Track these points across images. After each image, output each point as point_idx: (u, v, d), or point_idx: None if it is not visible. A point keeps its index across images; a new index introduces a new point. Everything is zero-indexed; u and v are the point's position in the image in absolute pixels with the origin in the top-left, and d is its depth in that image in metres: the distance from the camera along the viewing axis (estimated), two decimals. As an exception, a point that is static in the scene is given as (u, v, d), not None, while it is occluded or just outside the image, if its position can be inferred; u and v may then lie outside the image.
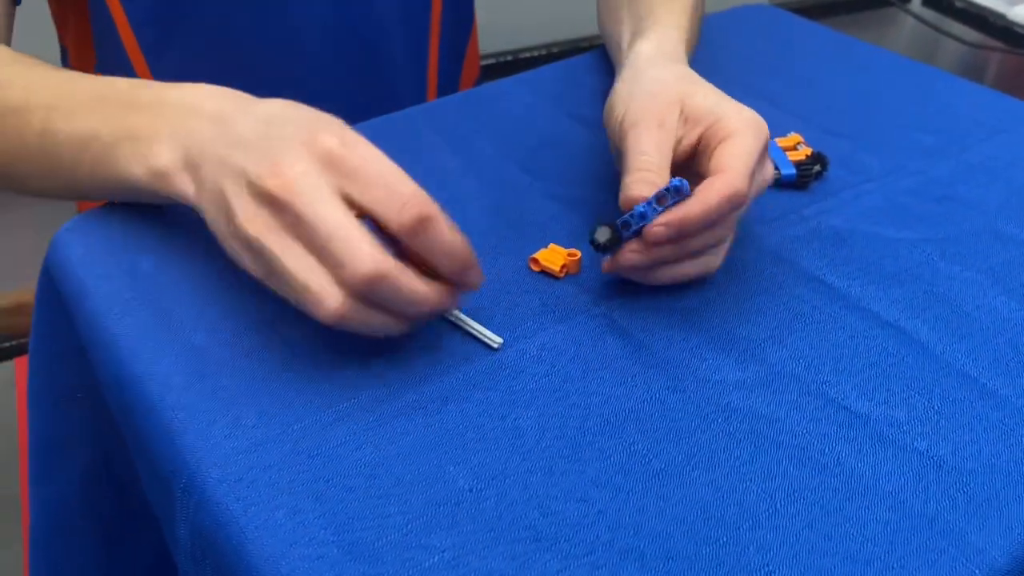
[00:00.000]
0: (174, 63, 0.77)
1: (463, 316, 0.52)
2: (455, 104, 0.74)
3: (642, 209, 0.50)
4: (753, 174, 0.52)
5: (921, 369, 0.51)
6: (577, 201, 0.62)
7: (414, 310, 0.47)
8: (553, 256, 0.57)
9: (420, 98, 0.86)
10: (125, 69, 0.76)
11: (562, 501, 0.43)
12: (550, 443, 0.46)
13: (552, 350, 0.51)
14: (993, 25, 1.43)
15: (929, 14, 1.52)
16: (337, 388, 0.48)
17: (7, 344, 1.60)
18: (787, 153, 0.65)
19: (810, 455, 0.46)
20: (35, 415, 0.64)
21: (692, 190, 0.50)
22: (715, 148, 0.52)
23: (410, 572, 0.40)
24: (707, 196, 0.49)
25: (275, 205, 0.45)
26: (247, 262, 0.48)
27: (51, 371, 0.62)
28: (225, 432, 0.46)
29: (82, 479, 0.64)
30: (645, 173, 0.51)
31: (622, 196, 0.51)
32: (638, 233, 0.51)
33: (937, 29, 1.43)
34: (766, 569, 0.41)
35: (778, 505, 0.44)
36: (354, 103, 0.82)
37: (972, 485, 0.44)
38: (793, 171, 0.64)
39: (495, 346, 0.51)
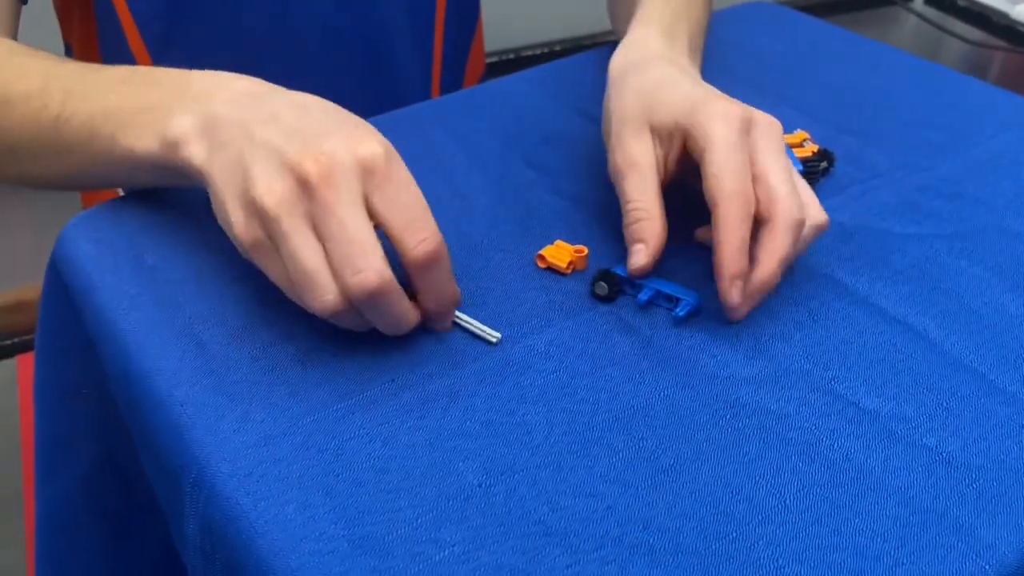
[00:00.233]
0: (179, 62, 0.76)
1: (461, 314, 0.52)
2: (461, 100, 0.74)
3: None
4: (742, 165, 0.51)
5: (929, 365, 0.51)
6: (583, 197, 0.62)
7: (392, 325, 0.49)
8: (560, 252, 0.57)
9: (424, 95, 0.86)
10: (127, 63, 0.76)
11: (571, 496, 0.43)
12: (559, 439, 0.46)
13: (560, 346, 0.51)
14: (996, 24, 1.43)
15: (932, 12, 1.52)
16: (346, 383, 0.48)
17: (8, 342, 1.60)
18: (794, 150, 0.65)
19: (819, 451, 0.46)
20: (41, 410, 0.64)
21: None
22: (699, 160, 0.53)
23: (420, 566, 0.40)
24: (725, 235, 0.50)
25: (305, 188, 0.45)
26: (241, 230, 0.47)
27: (57, 366, 0.62)
28: (234, 427, 0.46)
29: (87, 474, 0.64)
30: (638, 225, 0.53)
31: (629, 261, 0.54)
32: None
33: (940, 28, 1.43)
34: (776, 564, 0.41)
35: (787, 500, 0.43)
36: (359, 100, 0.82)
37: (981, 481, 0.44)
38: (800, 168, 0.63)
39: (494, 341, 0.51)
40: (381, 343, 0.50)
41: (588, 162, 0.66)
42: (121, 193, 0.63)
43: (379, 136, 0.48)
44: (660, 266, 0.56)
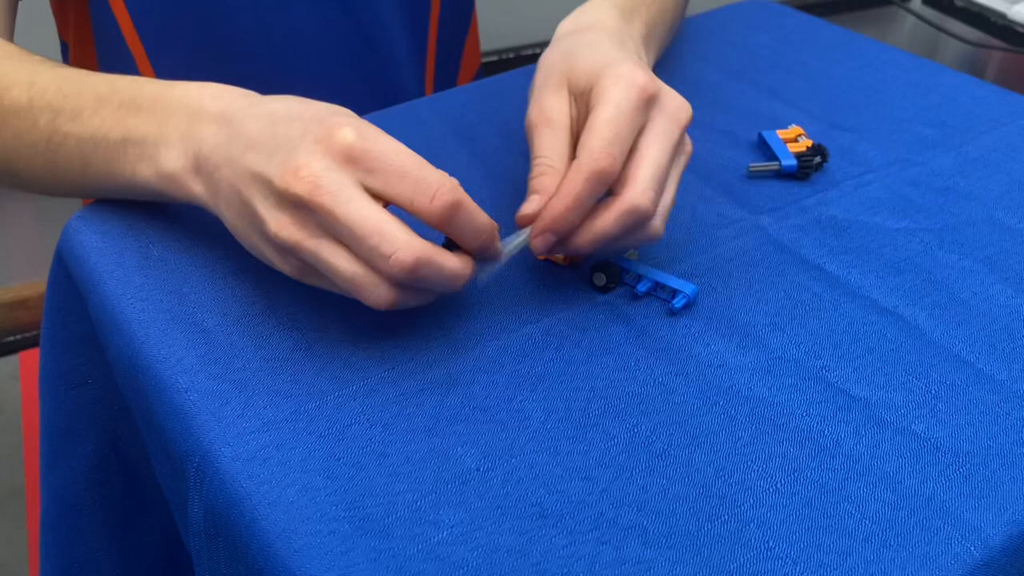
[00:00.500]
0: (175, 59, 0.78)
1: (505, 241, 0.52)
2: (461, 96, 0.75)
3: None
4: (623, 136, 0.50)
5: (919, 354, 0.52)
6: (581, 191, 0.63)
7: (452, 285, 0.48)
8: (558, 244, 0.58)
9: (418, 91, 0.87)
10: (126, 64, 0.77)
11: (567, 480, 0.44)
12: (555, 424, 0.47)
13: (557, 335, 0.52)
14: (993, 24, 1.44)
15: (929, 13, 1.52)
16: (347, 370, 0.49)
17: (10, 339, 1.61)
18: (788, 145, 0.66)
19: (810, 437, 0.47)
20: (46, 400, 0.65)
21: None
22: (586, 122, 0.52)
23: (419, 546, 0.41)
24: (566, 189, 0.50)
25: (304, 208, 0.46)
26: (280, 263, 0.49)
27: (63, 356, 0.63)
28: (237, 412, 0.47)
29: (92, 463, 0.65)
30: (540, 178, 0.52)
31: (520, 209, 0.52)
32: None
33: (937, 28, 1.43)
34: (766, 545, 0.42)
35: (778, 485, 0.44)
36: (352, 94, 0.83)
37: (968, 466, 0.45)
38: (794, 162, 0.65)
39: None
40: (383, 333, 0.51)
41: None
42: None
43: (344, 119, 0.47)
44: (658, 257, 0.57)
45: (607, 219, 0.50)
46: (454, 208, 0.46)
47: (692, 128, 0.54)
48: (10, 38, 0.67)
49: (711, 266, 0.57)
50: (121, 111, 0.55)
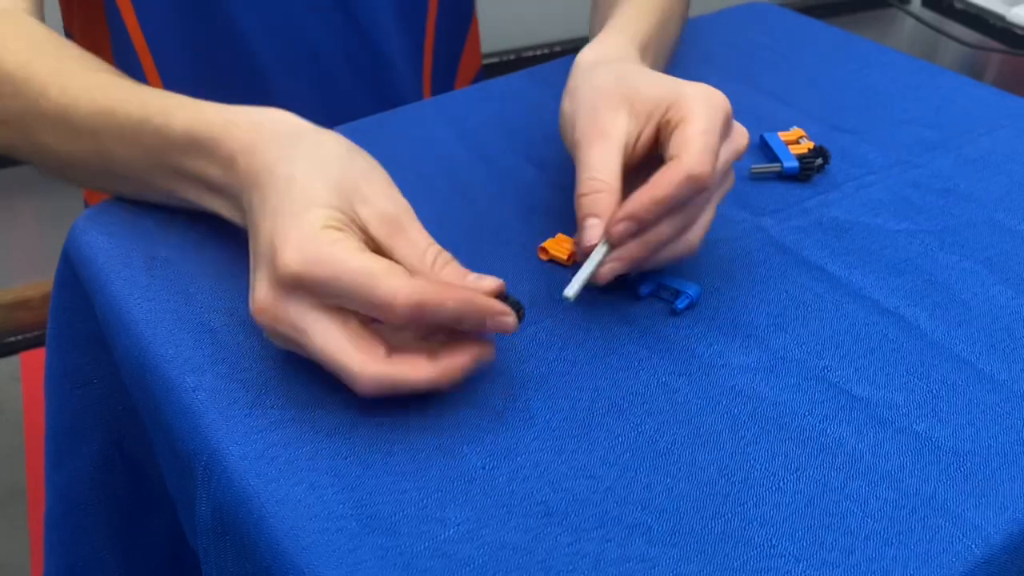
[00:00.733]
0: (178, 60, 0.78)
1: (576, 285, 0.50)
2: (464, 98, 0.75)
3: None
4: (715, 150, 0.51)
5: (920, 355, 0.52)
6: (584, 192, 0.64)
7: (436, 385, 0.47)
8: (561, 245, 0.58)
9: (416, 91, 0.88)
10: (132, 62, 0.77)
11: (572, 478, 0.45)
12: (560, 423, 0.48)
13: (561, 336, 0.53)
14: (992, 26, 1.45)
15: (929, 15, 1.53)
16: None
17: (12, 339, 1.61)
18: (790, 147, 0.67)
19: (812, 436, 0.47)
20: (52, 400, 0.65)
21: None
22: (671, 133, 0.52)
23: (426, 544, 0.42)
24: (659, 183, 0.49)
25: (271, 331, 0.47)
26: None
27: (68, 356, 0.63)
28: (245, 411, 0.47)
29: (97, 463, 0.65)
30: (593, 196, 0.51)
31: (580, 236, 0.51)
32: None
33: (937, 30, 1.44)
34: (769, 543, 0.42)
35: (781, 483, 0.45)
36: (350, 95, 0.84)
37: (969, 465, 0.46)
38: (796, 164, 0.65)
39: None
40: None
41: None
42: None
43: (301, 236, 0.45)
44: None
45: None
46: (418, 309, 0.44)
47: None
48: (41, 17, 0.67)
49: (714, 267, 0.58)
50: (160, 141, 0.54)
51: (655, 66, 0.66)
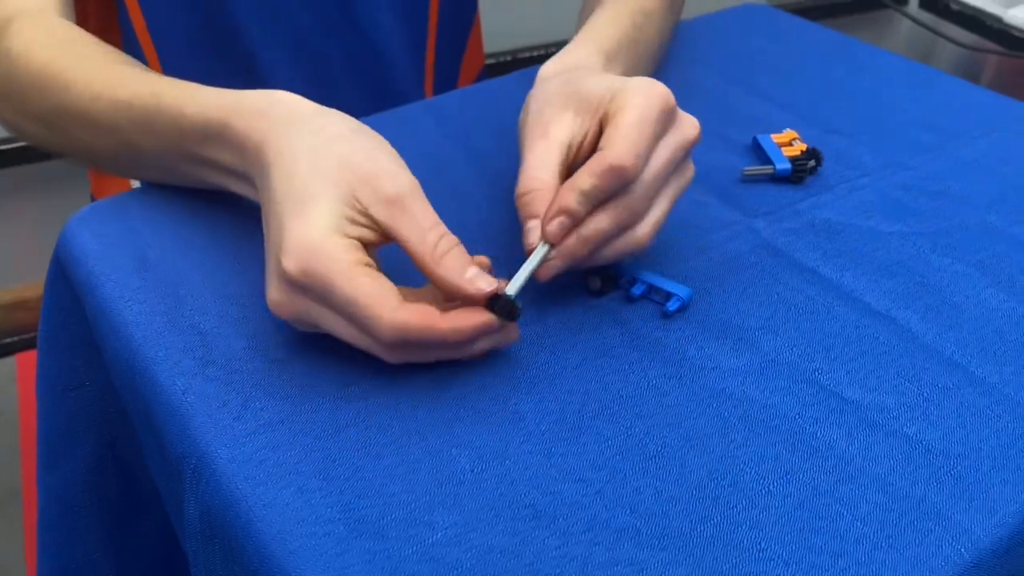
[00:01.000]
0: (179, 51, 0.79)
1: (512, 283, 0.50)
2: (457, 99, 0.75)
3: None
4: (645, 140, 0.50)
5: (911, 357, 0.52)
6: (577, 194, 0.64)
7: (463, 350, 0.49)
8: (553, 247, 0.58)
9: (418, 93, 0.88)
10: (136, 55, 0.77)
11: (561, 482, 0.45)
12: (549, 426, 0.48)
13: (552, 338, 0.53)
14: (989, 28, 1.45)
15: (925, 16, 1.53)
16: (344, 373, 0.50)
17: (8, 340, 1.61)
18: (782, 149, 0.67)
19: (802, 439, 0.47)
20: (43, 402, 0.65)
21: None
22: (606, 126, 0.51)
23: (414, 548, 0.41)
24: (583, 175, 0.49)
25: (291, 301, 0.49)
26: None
27: (60, 358, 0.63)
28: (234, 414, 0.47)
29: (88, 466, 0.65)
30: (531, 195, 0.51)
31: (524, 239, 0.51)
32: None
33: (934, 32, 1.44)
34: (758, 546, 0.42)
35: (771, 487, 0.45)
36: (352, 94, 0.84)
37: (959, 468, 0.46)
38: (788, 166, 0.65)
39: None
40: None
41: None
42: (135, 185, 0.65)
43: (301, 240, 0.46)
44: (652, 261, 0.58)
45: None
46: (405, 336, 0.46)
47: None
48: (69, 9, 0.69)
49: (705, 269, 0.58)
50: (176, 130, 0.56)
51: (629, 71, 0.66)
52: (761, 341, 0.53)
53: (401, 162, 0.50)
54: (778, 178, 0.66)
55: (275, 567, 0.41)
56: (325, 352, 0.51)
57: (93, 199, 0.87)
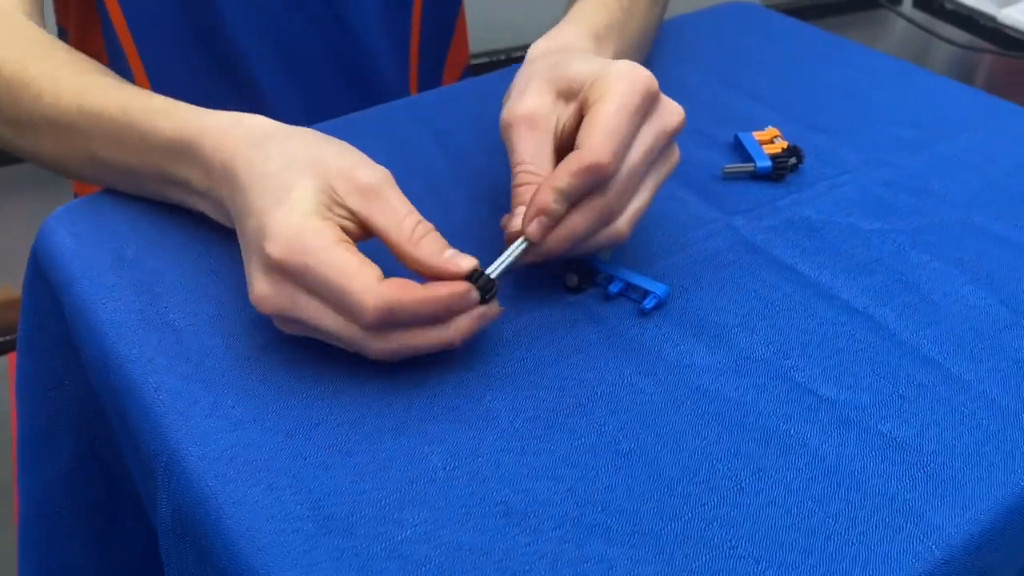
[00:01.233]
0: (162, 55, 0.78)
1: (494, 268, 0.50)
2: (438, 98, 0.75)
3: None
4: (623, 132, 0.50)
5: (887, 355, 0.52)
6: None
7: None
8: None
9: (403, 87, 0.88)
10: (118, 56, 0.77)
11: (533, 479, 0.45)
12: (523, 424, 0.47)
13: (527, 335, 0.53)
14: (983, 27, 1.44)
15: (920, 16, 1.53)
16: (317, 371, 0.49)
17: (2, 339, 1.60)
18: (764, 146, 0.67)
19: (776, 436, 0.47)
20: (23, 402, 0.65)
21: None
22: (585, 115, 0.51)
23: (382, 545, 0.41)
24: (560, 175, 0.49)
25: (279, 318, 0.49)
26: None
27: (39, 358, 0.63)
28: (206, 412, 0.47)
29: (69, 467, 0.65)
30: (527, 188, 0.51)
31: (509, 221, 0.51)
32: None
33: (928, 31, 1.44)
34: (729, 543, 0.42)
35: (743, 484, 0.45)
36: (336, 92, 0.84)
37: (933, 465, 0.46)
38: (769, 164, 0.65)
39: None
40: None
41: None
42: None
43: (282, 224, 0.46)
44: (631, 258, 0.58)
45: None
46: (388, 315, 0.45)
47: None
48: (41, 17, 0.68)
49: (683, 267, 0.57)
50: (157, 156, 0.55)
51: (618, 54, 0.65)
52: (737, 338, 0.53)
53: (369, 159, 0.50)
54: (759, 176, 0.65)
55: (243, 564, 0.41)
56: (297, 351, 0.50)
57: (76, 196, 0.87)
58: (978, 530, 0.43)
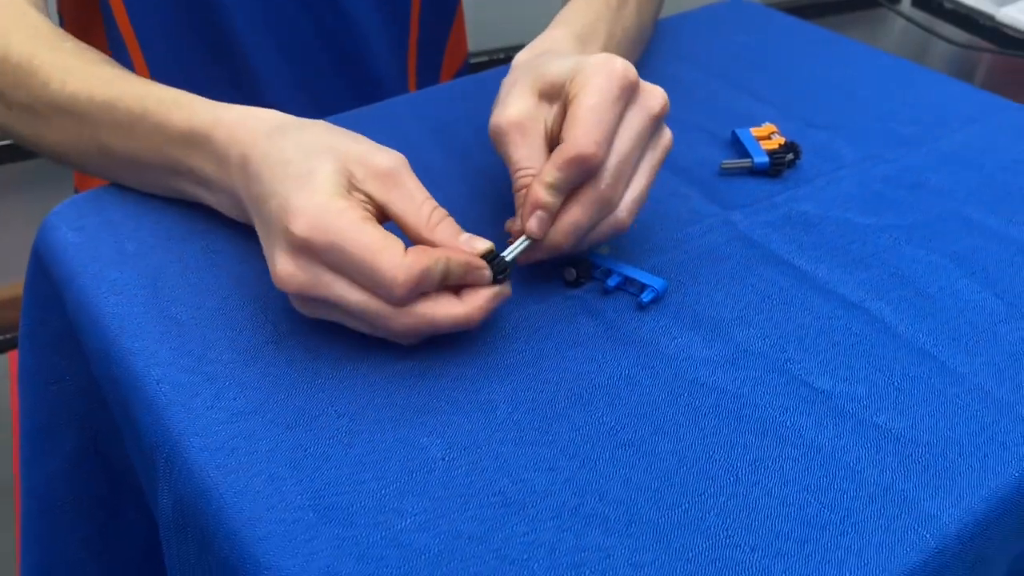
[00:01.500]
0: (163, 49, 0.79)
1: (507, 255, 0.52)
2: (438, 94, 0.76)
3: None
4: (605, 122, 0.50)
5: (883, 348, 0.52)
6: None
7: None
8: (530, 240, 0.58)
9: (401, 84, 0.88)
10: (117, 43, 0.78)
11: (531, 470, 0.45)
12: (522, 416, 0.48)
13: (527, 328, 0.53)
14: (982, 26, 1.45)
15: (919, 15, 1.53)
16: (318, 361, 0.50)
17: (2, 337, 1.61)
18: (761, 142, 0.67)
19: (772, 427, 0.47)
20: (25, 398, 0.66)
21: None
22: (567, 110, 0.51)
23: (382, 534, 0.42)
24: (549, 170, 0.50)
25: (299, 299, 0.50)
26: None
27: (41, 353, 0.63)
28: (208, 404, 0.48)
29: (71, 461, 0.65)
30: (527, 190, 0.52)
31: (526, 224, 0.52)
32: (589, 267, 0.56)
33: (927, 30, 1.44)
34: (726, 532, 0.42)
35: (739, 474, 0.45)
36: (336, 89, 0.84)
37: (927, 456, 0.46)
38: (766, 159, 0.65)
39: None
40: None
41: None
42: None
43: (308, 203, 0.47)
44: (629, 252, 0.58)
45: (577, 211, 0.51)
46: (416, 289, 0.47)
47: (667, 124, 0.55)
48: (44, 2, 0.68)
49: (681, 261, 0.58)
50: (168, 146, 0.56)
51: (605, 50, 0.65)
52: (734, 332, 0.53)
53: (383, 146, 0.51)
54: (756, 171, 0.66)
55: (244, 554, 0.41)
56: (298, 343, 0.51)
57: (77, 193, 0.87)
58: (972, 519, 0.43)
